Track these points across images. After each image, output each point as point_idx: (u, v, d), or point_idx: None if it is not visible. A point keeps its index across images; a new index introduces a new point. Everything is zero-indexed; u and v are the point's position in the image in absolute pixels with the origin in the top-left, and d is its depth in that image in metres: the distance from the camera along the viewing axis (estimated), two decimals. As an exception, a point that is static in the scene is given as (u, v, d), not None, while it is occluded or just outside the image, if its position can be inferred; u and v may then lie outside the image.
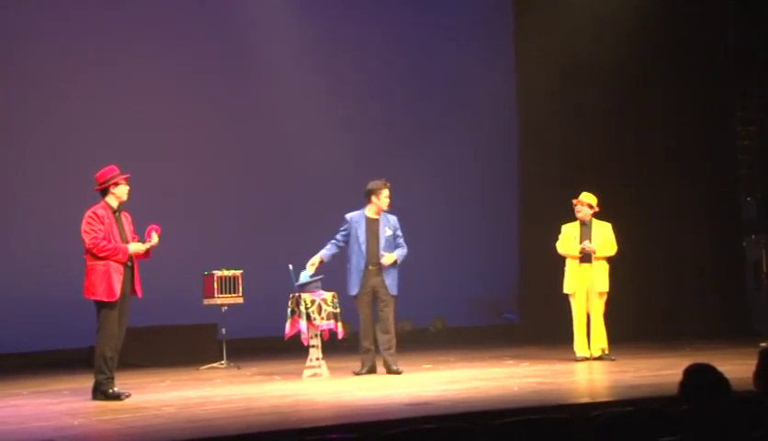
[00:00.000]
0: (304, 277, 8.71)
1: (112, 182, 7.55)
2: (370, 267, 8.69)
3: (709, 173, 12.27)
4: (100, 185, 7.58)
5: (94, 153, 10.39)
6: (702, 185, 12.23)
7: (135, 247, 7.53)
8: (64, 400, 7.67)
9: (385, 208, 8.77)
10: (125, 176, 7.60)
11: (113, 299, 7.43)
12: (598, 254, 9.40)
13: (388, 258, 8.65)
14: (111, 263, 7.43)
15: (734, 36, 12.32)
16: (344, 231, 8.81)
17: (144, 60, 11.31)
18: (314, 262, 8.73)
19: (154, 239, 7.68)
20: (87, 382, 7.73)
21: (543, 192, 12.14)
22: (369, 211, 8.77)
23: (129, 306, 7.65)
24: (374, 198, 8.73)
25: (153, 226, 7.73)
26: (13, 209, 10.66)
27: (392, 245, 8.75)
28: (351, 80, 12.31)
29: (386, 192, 8.73)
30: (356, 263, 8.71)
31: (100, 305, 7.46)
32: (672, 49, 12.26)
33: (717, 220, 12.27)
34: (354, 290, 8.73)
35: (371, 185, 8.76)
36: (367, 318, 8.74)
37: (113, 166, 7.64)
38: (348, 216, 8.81)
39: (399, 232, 8.81)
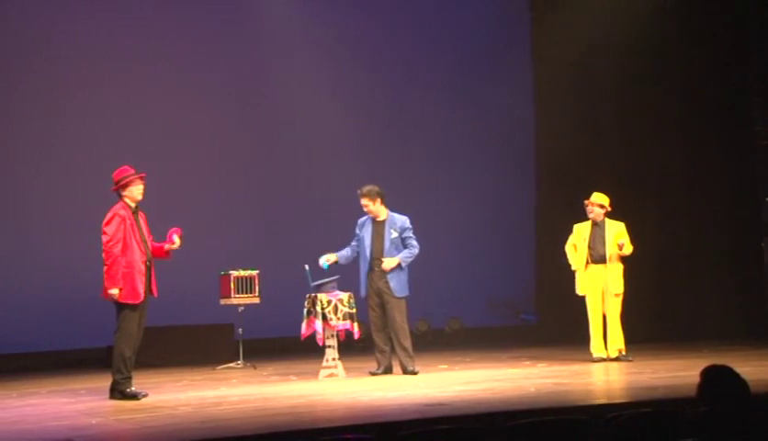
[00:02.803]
0: (323, 265, 8.70)
1: (127, 181, 7.60)
2: (375, 269, 8.72)
3: (728, 173, 12.19)
4: (116, 184, 7.63)
5: (112, 154, 10.41)
6: (721, 185, 12.15)
7: (115, 293, 7.39)
8: (82, 399, 7.70)
9: (372, 214, 8.74)
10: (140, 176, 7.64)
11: (137, 302, 7.47)
12: (621, 252, 9.31)
13: (387, 263, 8.65)
14: (134, 264, 7.47)
15: (755, 35, 12.22)
16: (355, 235, 8.88)
17: (162, 60, 11.34)
18: (330, 258, 8.75)
19: (177, 242, 7.71)
20: (105, 382, 7.77)
21: (560, 192, 12.12)
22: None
23: (148, 305, 7.68)
24: (378, 201, 8.79)
25: (175, 229, 7.77)
26: (32, 209, 10.71)
27: (398, 247, 8.75)
28: (368, 80, 12.29)
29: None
30: (362, 265, 8.79)
31: (121, 306, 7.49)
32: (690, 47, 12.19)
33: (736, 220, 12.19)
34: (362, 292, 8.82)
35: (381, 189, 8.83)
36: (376, 319, 8.77)
37: (127, 167, 7.69)
38: (360, 220, 8.86)
39: (407, 233, 8.76)
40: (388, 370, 8.74)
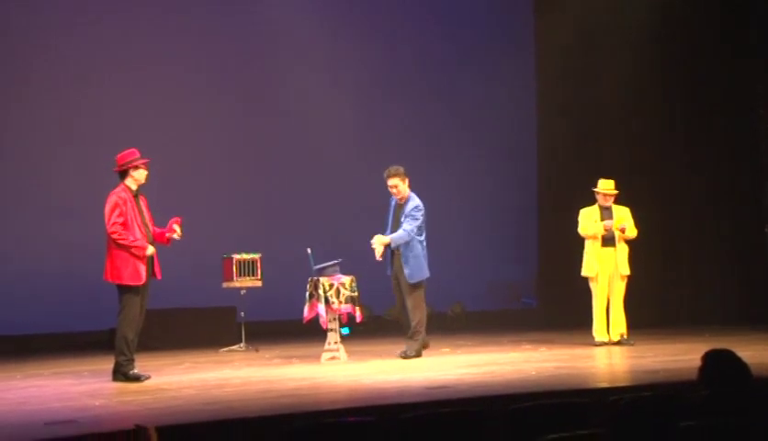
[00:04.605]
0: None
1: (132, 165, 7.60)
2: (395, 253, 8.74)
3: (732, 159, 12.18)
4: (120, 167, 7.63)
5: (116, 138, 10.43)
6: (724, 171, 12.15)
7: (152, 250, 7.55)
8: (85, 381, 7.73)
9: (399, 195, 8.73)
10: (145, 161, 7.65)
11: (139, 283, 7.49)
12: (623, 235, 9.35)
13: (376, 240, 8.60)
14: None
15: (757, 19, 12.18)
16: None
17: (164, 46, 11.33)
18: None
19: (177, 231, 7.73)
20: (107, 364, 7.80)
21: (562, 177, 12.12)
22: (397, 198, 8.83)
23: (150, 288, 7.70)
24: (407, 182, 8.78)
25: (176, 219, 7.78)
26: (36, 193, 10.73)
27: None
28: (371, 68, 12.28)
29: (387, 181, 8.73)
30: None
31: (123, 289, 7.51)
32: (694, 31, 12.15)
33: (738, 205, 12.19)
34: (387, 271, 8.86)
35: None
36: (398, 301, 8.84)
37: (134, 150, 7.69)
38: (392, 199, 8.88)
39: (405, 217, 8.68)
40: (424, 346, 8.77)
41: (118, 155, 7.66)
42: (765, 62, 12.13)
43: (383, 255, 8.71)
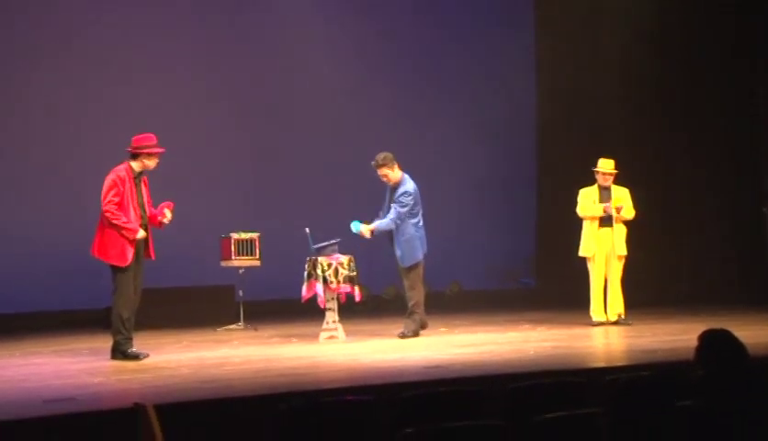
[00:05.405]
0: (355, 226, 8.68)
1: (146, 151, 7.60)
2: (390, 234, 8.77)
3: (731, 141, 12.16)
4: (134, 149, 7.61)
5: (116, 115, 10.48)
6: (723, 152, 12.13)
7: (142, 235, 7.56)
8: (84, 359, 7.75)
9: (392, 182, 8.72)
10: (160, 151, 7.65)
11: (124, 265, 7.49)
12: (619, 216, 9.36)
13: (362, 229, 8.66)
14: None
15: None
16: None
17: (161, 27, 11.29)
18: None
19: (168, 216, 7.73)
20: (106, 342, 7.81)
21: (561, 156, 12.10)
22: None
23: (144, 268, 7.71)
24: (396, 167, 8.77)
25: (166, 203, 7.78)
26: (34, 170, 10.71)
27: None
28: (371, 43, 12.22)
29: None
30: None
31: (116, 269, 7.53)
32: (695, 14, 12.08)
33: (737, 186, 12.18)
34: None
35: None
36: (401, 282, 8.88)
37: (151, 135, 7.68)
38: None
39: (393, 204, 8.67)
40: (422, 326, 8.80)
41: (135, 137, 7.65)
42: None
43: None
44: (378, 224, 8.69)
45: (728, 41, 12.08)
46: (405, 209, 8.65)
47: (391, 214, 8.65)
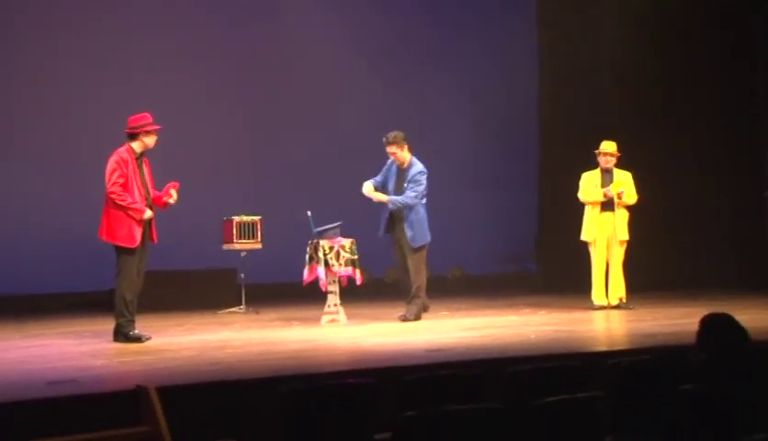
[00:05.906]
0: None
1: (143, 129, 7.59)
2: (396, 217, 8.74)
3: (732, 125, 12.12)
4: (131, 129, 7.60)
5: (118, 97, 10.45)
6: (723, 136, 12.10)
7: (149, 214, 7.57)
8: (86, 341, 7.77)
9: (399, 161, 8.72)
10: (157, 128, 7.64)
11: (133, 246, 7.50)
12: (621, 201, 9.35)
13: (374, 194, 8.63)
14: None
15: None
16: (382, 173, 8.86)
17: (164, 8, 11.26)
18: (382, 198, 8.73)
19: (174, 196, 7.73)
20: (108, 324, 7.83)
21: (563, 141, 12.07)
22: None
23: (148, 251, 7.72)
24: (406, 148, 8.75)
25: (172, 183, 7.77)
26: (39, 152, 10.71)
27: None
28: (372, 31, 12.20)
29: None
30: (384, 209, 8.79)
31: (120, 250, 7.53)
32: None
33: (738, 171, 12.15)
34: (380, 232, 8.85)
35: None
36: (401, 264, 8.88)
37: (147, 114, 7.67)
38: (389, 161, 8.81)
39: (408, 183, 8.67)
40: (424, 310, 8.82)
41: (131, 117, 7.64)
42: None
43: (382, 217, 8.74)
44: (394, 199, 8.65)
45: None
46: (422, 188, 8.68)
47: (410, 192, 8.64)
